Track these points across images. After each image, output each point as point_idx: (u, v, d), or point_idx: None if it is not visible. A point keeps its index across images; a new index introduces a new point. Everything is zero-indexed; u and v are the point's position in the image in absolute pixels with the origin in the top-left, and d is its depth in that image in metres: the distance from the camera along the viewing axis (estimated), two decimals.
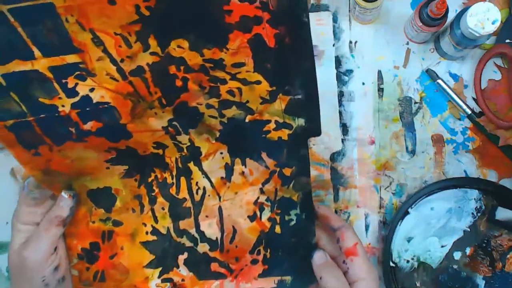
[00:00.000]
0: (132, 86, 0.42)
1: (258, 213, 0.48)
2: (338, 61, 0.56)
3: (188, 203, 0.49)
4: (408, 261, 0.53)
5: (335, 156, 0.55)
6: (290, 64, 0.41)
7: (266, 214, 0.48)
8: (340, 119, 0.55)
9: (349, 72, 0.55)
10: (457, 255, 0.53)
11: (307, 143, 0.46)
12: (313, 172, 0.55)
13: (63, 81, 0.41)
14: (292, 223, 0.48)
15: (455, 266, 0.53)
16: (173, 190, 0.49)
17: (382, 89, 0.55)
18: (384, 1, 0.51)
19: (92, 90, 0.42)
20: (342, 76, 0.55)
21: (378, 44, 0.55)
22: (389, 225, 0.53)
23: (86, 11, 0.38)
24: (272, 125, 0.45)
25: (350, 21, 0.56)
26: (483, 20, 0.46)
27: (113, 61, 0.41)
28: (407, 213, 0.53)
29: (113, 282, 0.51)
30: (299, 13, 0.38)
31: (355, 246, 0.45)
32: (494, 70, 0.55)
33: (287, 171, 0.46)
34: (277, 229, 0.48)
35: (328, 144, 0.55)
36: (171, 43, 0.40)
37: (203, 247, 0.49)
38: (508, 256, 0.52)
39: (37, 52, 0.40)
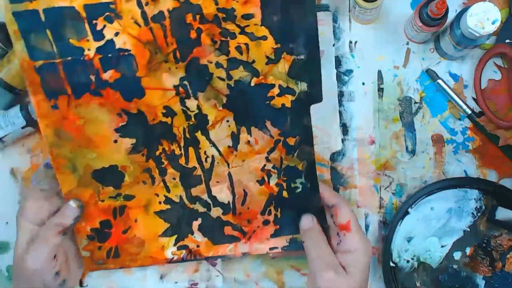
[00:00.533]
0: (152, 34, 0.46)
1: (266, 178, 0.50)
2: (338, 61, 0.56)
3: (198, 171, 0.50)
4: (408, 261, 0.53)
5: (335, 156, 0.55)
6: (295, 18, 0.45)
7: (274, 180, 0.50)
8: (340, 119, 0.55)
9: (349, 72, 0.56)
10: (457, 255, 0.53)
11: (309, 112, 0.48)
12: None
13: (94, 21, 0.45)
14: (298, 190, 0.50)
15: (455, 266, 0.53)
16: (182, 161, 0.50)
17: (382, 89, 0.55)
18: (384, 1, 0.51)
19: (116, 34, 0.46)
20: (342, 76, 0.56)
21: (378, 44, 0.55)
22: (389, 225, 0.54)
23: None
24: (276, 90, 0.47)
25: (350, 21, 0.56)
26: (483, 20, 0.46)
27: (139, 3, 0.45)
28: (407, 213, 0.53)
29: (128, 256, 0.52)
30: None
31: (348, 222, 0.46)
32: (494, 70, 0.55)
33: (291, 141, 0.48)
34: (285, 194, 0.50)
35: (328, 144, 0.55)
36: None
37: (216, 212, 0.51)
38: (508, 256, 0.52)
39: None
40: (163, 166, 0.50)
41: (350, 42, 0.56)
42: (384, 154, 0.55)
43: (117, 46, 0.46)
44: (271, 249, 0.51)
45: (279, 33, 0.46)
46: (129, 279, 0.56)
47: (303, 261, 0.55)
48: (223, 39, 0.46)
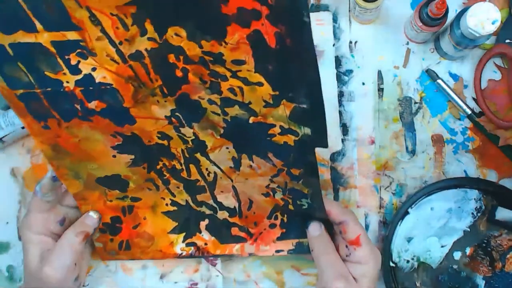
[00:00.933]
0: (133, 70, 0.42)
1: (271, 193, 0.49)
2: (338, 61, 0.56)
3: (202, 183, 0.50)
4: (408, 261, 0.53)
5: (335, 156, 0.55)
6: (293, 70, 0.40)
7: (279, 195, 0.49)
8: (340, 119, 0.55)
9: (349, 72, 0.55)
10: (457, 255, 0.53)
11: (314, 151, 0.44)
12: None
13: (66, 57, 0.42)
14: (304, 207, 0.49)
15: (455, 266, 0.53)
16: (184, 174, 0.49)
17: (382, 89, 0.55)
18: (384, 1, 0.51)
19: (94, 69, 0.42)
20: (342, 76, 0.55)
21: (378, 44, 0.55)
22: (389, 225, 0.53)
23: None
24: (277, 130, 0.44)
25: (350, 21, 0.56)
26: (483, 20, 0.46)
27: (112, 42, 0.41)
28: (407, 213, 0.53)
29: (139, 249, 0.53)
30: (299, 11, 0.36)
31: (358, 237, 0.45)
32: (494, 70, 0.55)
33: (295, 171, 0.46)
34: (290, 207, 0.50)
35: (328, 144, 0.55)
36: (168, 30, 0.39)
37: (222, 214, 0.51)
38: (508, 256, 0.52)
39: (39, 25, 0.40)
40: (165, 178, 0.50)
41: (350, 42, 0.56)
42: (384, 154, 0.55)
43: (97, 80, 0.42)
44: (277, 251, 0.52)
45: (276, 82, 0.40)
46: (129, 279, 0.56)
47: (303, 261, 0.55)
48: (213, 79, 0.41)
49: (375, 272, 0.45)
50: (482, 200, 0.53)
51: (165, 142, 0.47)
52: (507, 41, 0.53)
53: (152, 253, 0.53)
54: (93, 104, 0.44)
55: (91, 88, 0.43)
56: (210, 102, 0.43)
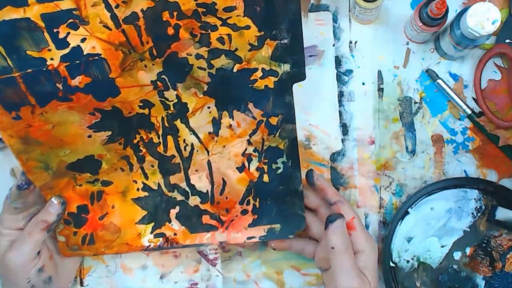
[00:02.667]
0: (125, 35, 0.43)
1: (246, 164, 0.49)
2: (338, 61, 0.56)
3: (177, 159, 0.49)
4: (408, 261, 0.53)
5: (335, 156, 0.55)
6: (277, 6, 0.44)
7: (254, 164, 0.49)
8: (340, 119, 0.55)
9: (349, 72, 0.56)
10: (457, 255, 0.53)
11: (292, 90, 0.47)
12: None
13: (55, 30, 0.41)
14: (279, 171, 0.49)
15: (455, 266, 0.53)
16: (160, 149, 0.49)
17: (382, 89, 0.55)
18: (384, 1, 0.51)
19: (83, 40, 0.42)
20: (342, 76, 0.56)
21: (378, 44, 0.55)
22: (389, 225, 0.54)
23: None
24: (259, 73, 0.46)
25: (350, 21, 0.56)
26: (483, 20, 0.46)
27: (108, 7, 0.41)
28: (407, 213, 0.53)
29: (103, 243, 0.51)
30: None
31: (352, 220, 0.46)
32: (494, 70, 0.55)
33: (274, 120, 0.48)
34: (265, 178, 0.49)
35: (328, 144, 0.55)
36: None
37: (194, 200, 0.50)
38: (508, 256, 0.52)
39: None
40: (141, 153, 0.49)
41: (350, 42, 0.56)
42: (384, 154, 0.55)
43: (85, 52, 0.43)
44: (248, 238, 0.51)
45: (262, 22, 0.44)
46: (129, 279, 0.56)
47: (303, 261, 0.55)
48: (203, 32, 0.44)
49: (375, 259, 0.46)
50: (482, 200, 0.53)
51: (146, 111, 0.47)
52: (507, 41, 0.53)
53: (118, 247, 0.51)
54: (76, 80, 0.44)
55: (77, 61, 0.43)
56: (198, 56, 0.45)
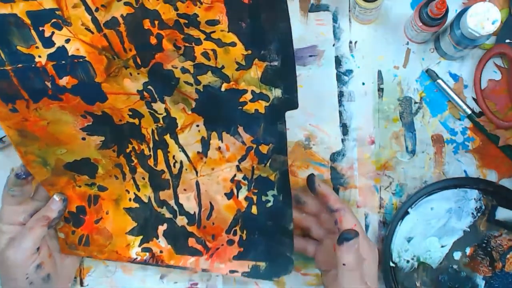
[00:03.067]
0: (107, 40, 0.42)
1: (235, 191, 0.48)
2: (338, 61, 0.56)
3: (167, 175, 0.49)
4: (408, 261, 0.53)
5: (335, 156, 0.55)
6: (265, 24, 0.40)
7: (243, 193, 0.47)
8: (340, 119, 0.55)
9: (349, 72, 0.56)
10: (457, 255, 0.53)
11: (285, 118, 0.44)
12: (313, 172, 0.55)
13: (40, 28, 0.41)
14: (269, 204, 0.47)
15: (455, 266, 0.53)
16: (151, 162, 0.48)
17: (382, 89, 0.55)
18: (384, 1, 0.51)
19: (67, 41, 0.42)
20: (342, 76, 0.56)
21: (378, 44, 0.55)
22: (389, 225, 0.54)
23: None
24: (248, 96, 0.44)
25: (350, 21, 0.56)
26: (483, 20, 0.46)
27: (88, 9, 0.41)
28: (407, 213, 0.53)
29: (97, 247, 0.52)
30: None
31: (354, 227, 0.45)
32: (494, 70, 0.55)
33: (264, 148, 0.46)
34: (254, 209, 0.48)
35: (328, 144, 0.55)
36: None
37: (181, 220, 0.50)
38: (508, 256, 0.52)
39: None
40: (133, 164, 0.49)
41: (350, 42, 0.56)
42: (384, 154, 0.55)
43: (70, 53, 0.42)
44: (231, 271, 0.50)
45: (249, 40, 0.41)
46: (129, 279, 0.56)
47: (303, 261, 0.55)
48: (187, 44, 0.42)
49: (376, 269, 0.45)
50: (482, 200, 0.53)
51: (136, 121, 0.46)
52: (507, 41, 0.53)
53: (108, 253, 0.51)
54: (64, 80, 0.43)
55: (63, 62, 0.43)
56: (183, 70, 0.43)
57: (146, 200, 0.50)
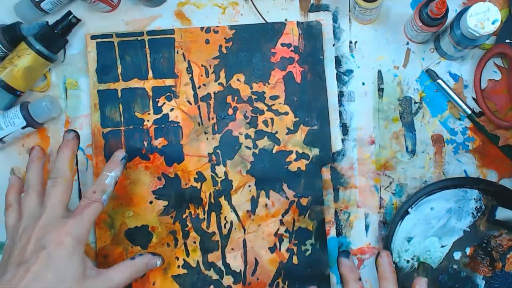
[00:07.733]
0: (199, 110, 0.54)
1: (278, 244, 0.53)
2: (338, 61, 0.56)
3: (217, 237, 0.53)
4: (408, 261, 0.53)
5: (335, 156, 0.55)
6: (310, 97, 0.54)
7: (285, 245, 0.53)
8: (340, 119, 0.55)
9: (349, 72, 0.56)
10: (457, 255, 0.53)
11: (321, 174, 0.53)
12: None
13: (157, 99, 0.54)
14: (308, 253, 0.52)
15: (455, 266, 0.53)
16: (204, 225, 0.53)
17: (382, 89, 0.55)
18: (384, 1, 0.51)
19: (172, 109, 0.54)
20: (342, 76, 0.56)
21: (378, 44, 0.56)
22: (389, 225, 0.54)
23: (190, 46, 0.54)
24: (293, 156, 0.53)
25: (350, 21, 0.56)
26: (483, 20, 0.46)
27: (194, 87, 0.54)
28: (407, 213, 0.53)
29: None
30: (317, 53, 0.54)
31: None
32: (494, 70, 0.55)
33: (304, 201, 0.53)
34: (294, 259, 0.52)
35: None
36: (233, 77, 0.54)
37: (228, 280, 0.53)
38: (508, 256, 0.52)
39: (150, 74, 0.54)
40: (187, 229, 0.53)
41: (350, 42, 0.56)
42: (384, 154, 0.55)
43: (170, 119, 0.54)
44: None
45: (298, 109, 0.53)
46: None
47: None
48: (253, 115, 0.54)
49: None
50: (482, 200, 0.53)
51: (198, 185, 0.53)
52: (507, 41, 0.53)
53: None
54: (158, 141, 0.54)
55: (163, 125, 0.54)
56: (246, 136, 0.54)
57: (194, 265, 0.53)
